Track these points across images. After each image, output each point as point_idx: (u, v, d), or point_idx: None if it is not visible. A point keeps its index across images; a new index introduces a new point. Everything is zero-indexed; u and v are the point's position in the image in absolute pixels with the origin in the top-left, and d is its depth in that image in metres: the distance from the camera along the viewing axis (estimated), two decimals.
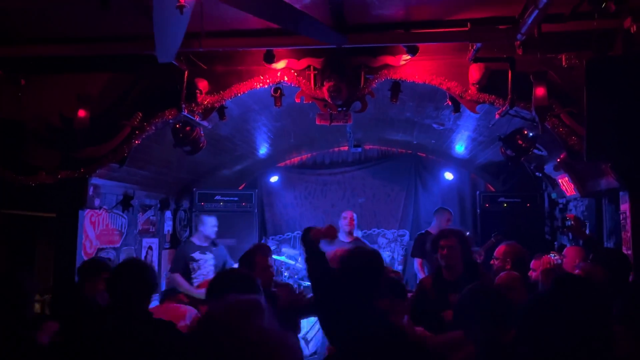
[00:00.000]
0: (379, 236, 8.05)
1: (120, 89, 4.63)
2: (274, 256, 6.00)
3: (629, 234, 4.18)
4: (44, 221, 5.06)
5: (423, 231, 6.49)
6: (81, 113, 4.36)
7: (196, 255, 5.82)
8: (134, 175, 5.36)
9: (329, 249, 5.95)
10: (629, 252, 4.17)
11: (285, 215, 8.20)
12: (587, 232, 5.04)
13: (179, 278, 5.61)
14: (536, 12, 3.15)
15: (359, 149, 7.68)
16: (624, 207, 4.25)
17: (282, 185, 8.19)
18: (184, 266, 5.73)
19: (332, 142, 7.86)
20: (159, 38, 3.05)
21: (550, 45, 4.07)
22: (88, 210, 4.89)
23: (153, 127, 4.62)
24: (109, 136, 4.61)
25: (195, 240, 5.96)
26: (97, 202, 4.82)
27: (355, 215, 6.45)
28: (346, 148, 7.87)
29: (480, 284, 2.83)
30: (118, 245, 5.47)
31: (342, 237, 6.24)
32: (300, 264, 6.86)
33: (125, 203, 5.51)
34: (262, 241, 7.56)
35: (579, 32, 3.90)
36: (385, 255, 7.63)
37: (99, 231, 5.13)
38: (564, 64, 4.09)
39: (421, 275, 6.01)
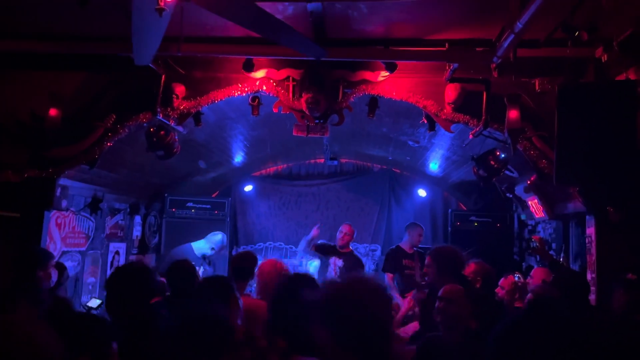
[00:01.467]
0: None
1: (94, 90, 4.55)
2: None
3: (593, 258, 4.27)
4: (6, 220, 4.90)
5: (394, 246, 6.52)
6: (53, 112, 4.26)
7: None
8: (104, 177, 5.25)
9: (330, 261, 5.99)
10: (594, 275, 4.26)
11: (258, 225, 8.14)
12: (552, 254, 5.14)
13: None
14: (512, 36, 3.23)
15: (335, 162, 7.71)
16: (590, 230, 4.35)
17: (256, 194, 8.14)
18: None
19: (308, 154, 7.86)
20: (136, 40, 3.01)
21: (525, 69, 4.17)
22: (54, 211, 4.76)
23: (126, 130, 4.54)
24: (80, 137, 4.51)
25: (196, 249, 5.89)
26: (64, 203, 4.70)
27: (354, 230, 6.30)
28: (322, 160, 7.88)
29: None
30: (84, 248, 5.33)
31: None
32: None
33: (94, 206, 5.38)
34: (233, 252, 7.47)
35: (553, 58, 4.01)
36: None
37: (64, 233, 5.00)
38: (537, 88, 4.20)
39: (392, 291, 6.01)
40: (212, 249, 5.87)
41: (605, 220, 4.14)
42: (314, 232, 6.12)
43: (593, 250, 4.28)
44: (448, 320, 2.95)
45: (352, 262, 6.00)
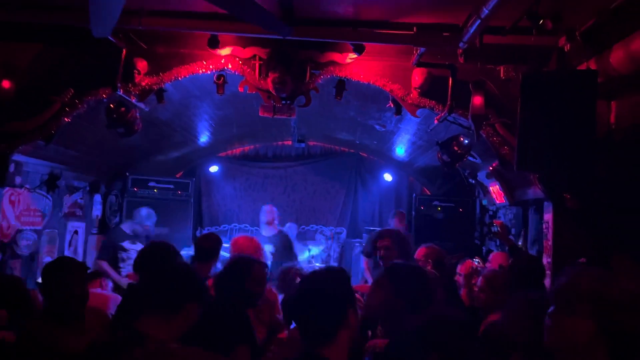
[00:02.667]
0: (316, 232, 8.07)
1: (51, 62, 4.34)
2: None
3: (550, 243, 4.40)
4: None
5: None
6: (5, 84, 4.06)
7: (126, 244, 5.61)
8: (62, 154, 5.07)
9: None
10: (549, 259, 4.39)
11: (223, 206, 8.06)
12: (512, 238, 5.26)
13: (105, 266, 5.38)
14: (478, 21, 3.24)
15: (303, 145, 7.68)
16: (547, 216, 4.47)
17: (221, 175, 8.04)
18: (112, 254, 5.51)
19: (276, 136, 7.80)
20: (94, 10, 2.88)
21: (491, 56, 4.20)
22: (7, 188, 4.57)
23: (85, 105, 4.37)
24: (36, 111, 4.31)
25: (126, 228, 5.73)
26: (18, 180, 4.53)
27: (275, 209, 6.33)
28: (290, 143, 7.83)
29: None
30: (40, 227, 5.16)
31: (263, 231, 6.17)
32: None
33: (51, 183, 5.20)
34: (197, 232, 7.38)
35: (518, 46, 4.04)
36: (322, 251, 7.67)
37: (18, 211, 4.81)
38: (502, 75, 4.24)
39: (366, 274, 6.05)
40: (141, 224, 5.75)
41: (562, 206, 4.26)
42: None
43: (550, 236, 4.40)
44: None
45: (283, 243, 5.95)
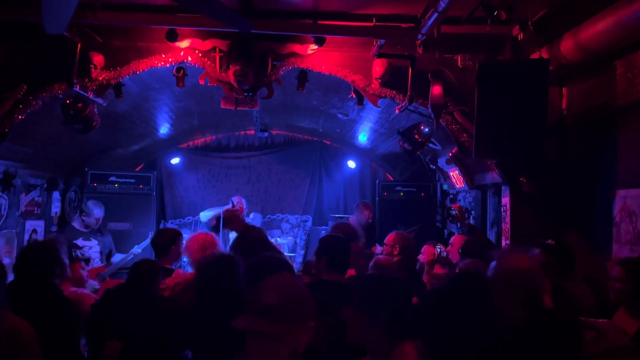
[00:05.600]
0: (282, 221, 8.10)
1: (3, 58, 4.18)
2: None
3: (508, 225, 4.58)
4: None
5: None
6: None
7: (79, 242, 5.49)
8: (16, 152, 4.89)
9: None
10: (507, 241, 4.58)
11: (187, 198, 7.96)
12: (472, 222, 5.44)
13: None
14: (436, 14, 3.31)
15: (266, 134, 7.64)
16: (505, 200, 4.65)
17: (183, 167, 7.93)
18: (66, 253, 5.37)
19: (238, 126, 7.73)
20: (47, 7, 2.79)
21: (448, 45, 4.30)
22: None
23: (40, 102, 4.24)
24: None
25: (77, 226, 5.61)
26: None
27: (244, 200, 6.33)
28: (253, 132, 7.79)
29: None
30: None
31: None
32: None
33: (6, 182, 5.02)
34: (161, 225, 7.29)
35: (474, 35, 4.16)
36: (288, 240, 7.71)
37: None
38: (459, 64, 4.36)
39: None
40: (92, 217, 5.63)
41: (519, 190, 4.43)
42: (237, 206, 6.07)
43: (507, 219, 4.58)
44: None
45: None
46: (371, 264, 3.63)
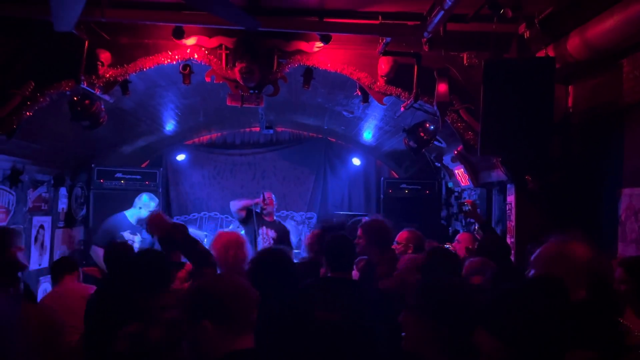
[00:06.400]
0: (287, 218, 8.12)
1: (10, 55, 4.20)
2: None
3: (512, 223, 4.58)
4: None
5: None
6: None
7: (126, 234, 5.54)
8: (24, 148, 4.93)
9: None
10: (512, 239, 4.58)
11: (192, 195, 8.00)
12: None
13: (102, 253, 5.24)
14: (442, 12, 3.31)
15: (271, 131, 7.66)
16: (510, 198, 4.65)
17: (189, 164, 7.97)
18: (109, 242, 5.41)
19: (243, 123, 7.76)
20: (55, 4, 2.81)
21: (454, 43, 4.30)
22: None
23: (47, 99, 4.26)
24: None
25: (130, 217, 5.64)
26: None
27: (274, 196, 6.35)
28: (258, 129, 7.80)
29: None
30: (4, 223, 5.03)
31: (265, 216, 6.21)
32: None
33: (14, 178, 5.06)
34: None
35: (480, 33, 4.15)
36: (293, 237, 7.73)
37: None
38: (465, 62, 4.35)
39: None
40: (143, 209, 5.69)
41: (524, 188, 4.43)
42: (260, 201, 6.11)
43: (512, 217, 4.58)
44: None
45: (282, 232, 6.10)
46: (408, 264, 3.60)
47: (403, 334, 1.78)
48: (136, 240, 5.62)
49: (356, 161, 8.11)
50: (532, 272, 2.12)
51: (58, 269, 4.12)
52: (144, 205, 5.70)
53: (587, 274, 2.07)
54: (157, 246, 5.68)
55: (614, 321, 2.06)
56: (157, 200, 5.76)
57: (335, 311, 2.81)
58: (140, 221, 5.67)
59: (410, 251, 4.15)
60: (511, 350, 1.46)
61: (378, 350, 2.75)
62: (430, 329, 1.68)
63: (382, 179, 7.43)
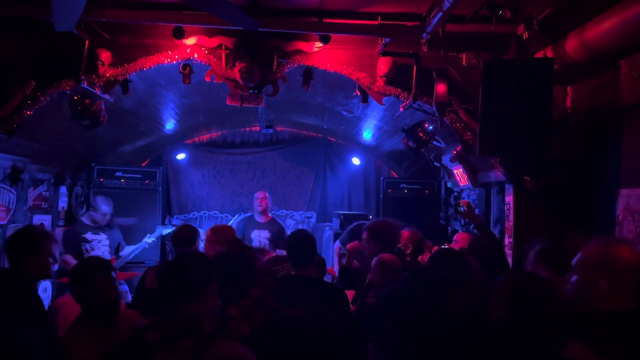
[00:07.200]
0: (287, 217, 8.14)
1: (11, 54, 4.23)
2: None
3: (511, 223, 4.60)
4: None
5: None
6: None
7: (88, 235, 5.55)
8: (25, 147, 4.95)
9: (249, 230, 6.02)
10: (511, 239, 4.60)
11: (192, 194, 8.02)
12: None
13: (71, 259, 5.31)
14: (440, 13, 3.33)
15: (271, 130, 7.68)
16: (509, 198, 4.66)
17: (189, 163, 7.98)
18: (76, 247, 5.45)
19: (243, 122, 7.77)
20: (56, 5, 2.83)
21: (453, 44, 4.31)
22: None
23: (48, 98, 4.28)
24: None
25: (86, 219, 5.67)
26: None
27: (268, 195, 6.41)
28: (258, 128, 7.82)
29: None
30: (5, 222, 5.06)
31: (257, 217, 6.24)
32: None
33: (14, 177, 5.08)
34: (166, 221, 7.34)
35: (479, 34, 4.17)
36: None
37: None
38: (464, 63, 4.37)
39: (335, 257, 6.15)
40: (99, 213, 5.69)
41: (522, 188, 4.45)
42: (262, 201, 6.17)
43: (511, 217, 4.60)
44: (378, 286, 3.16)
45: (277, 231, 6.10)
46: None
47: None
48: (102, 239, 5.63)
49: (356, 161, 8.13)
50: (575, 278, 2.05)
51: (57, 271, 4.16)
52: (98, 207, 5.70)
53: (635, 280, 1.96)
54: (123, 245, 5.79)
55: None
56: (110, 203, 5.76)
57: (297, 308, 2.90)
58: (94, 221, 5.64)
59: (409, 251, 4.18)
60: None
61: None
62: None
63: (381, 178, 7.44)
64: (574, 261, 2.08)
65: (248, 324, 2.25)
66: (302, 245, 3.22)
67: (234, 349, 2.03)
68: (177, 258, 2.64)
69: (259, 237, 6.04)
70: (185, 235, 3.98)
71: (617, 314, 1.93)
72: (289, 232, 7.65)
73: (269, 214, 6.33)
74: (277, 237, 5.99)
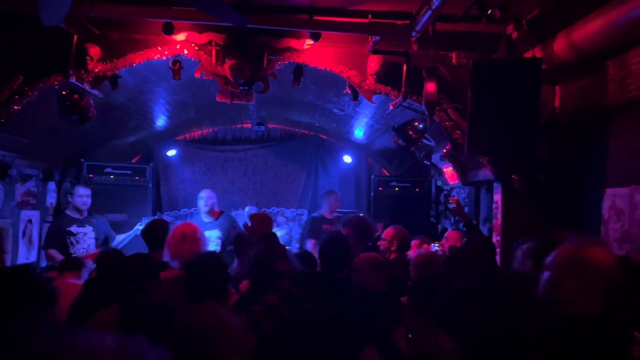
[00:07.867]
0: (278, 215, 8.13)
1: None
2: None
3: (499, 222, 4.63)
4: None
5: (316, 214, 6.67)
6: None
7: (73, 228, 5.47)
8: (12, 142, 4.92)
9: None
10: (498, 237, 4.63)
11: (183, 190, 7.99)
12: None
13: (55, 254, 5.22)
14: (429, 12, 3.34)
15: (262, 128, 7.67)
16: (497, 197, 4.69)
17: (180, 159, 7.95)
18: (60, 241, 5.36)
19: (235, 119, 7.75)
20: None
21: (443, 43, 4.32)
22: None
23: (36, 93, 4.25)
24: None
25: (70, 212, 5.61)
26: None
27: (211, 193, 6.23)
28: (249, 125, 7.80)
29: None
30: None
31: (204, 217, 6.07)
32: None
33: (2, 172, 5.04)
34: (157, 217, 7.31)
35: (469, 33, 4.19)
36: (283, 233, 7.75)
37: None
38: (454, 62, 4.38)
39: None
40: (79, 199, 5.65)
41: (510, 187, 4.48)
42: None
43: (499, 215, 4.63)
44: (360, 287, 3.17)
45: (228, 226, 5.86)
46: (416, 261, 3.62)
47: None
48: (88, 232, 5.58)
49: (347, 158, 8.13)
50: (547, 275, 2.01)
51: (62, 265, 4.16)
52: (74, 191, 5.65)
53: (604, 282, 1.93)
54: (113, 236, 5.72)
55: (626, 337, 1.91)
56: (87, 187, 5.71)
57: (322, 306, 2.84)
58: (77, 208, 5.57)
59: (394, 247, 4.20)
60: (470, 354, 1.41)
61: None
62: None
63: (372, 176, 7.45)
64: (547, 258, 2.06)
65: (254, 334, 2.07)
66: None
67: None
68: None
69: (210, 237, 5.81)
70: (155, 231, 3.87)
71: (580, 319, 1.89)
72: (276, 229, 7.70)
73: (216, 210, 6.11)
74: (228, 234, 5.68)
